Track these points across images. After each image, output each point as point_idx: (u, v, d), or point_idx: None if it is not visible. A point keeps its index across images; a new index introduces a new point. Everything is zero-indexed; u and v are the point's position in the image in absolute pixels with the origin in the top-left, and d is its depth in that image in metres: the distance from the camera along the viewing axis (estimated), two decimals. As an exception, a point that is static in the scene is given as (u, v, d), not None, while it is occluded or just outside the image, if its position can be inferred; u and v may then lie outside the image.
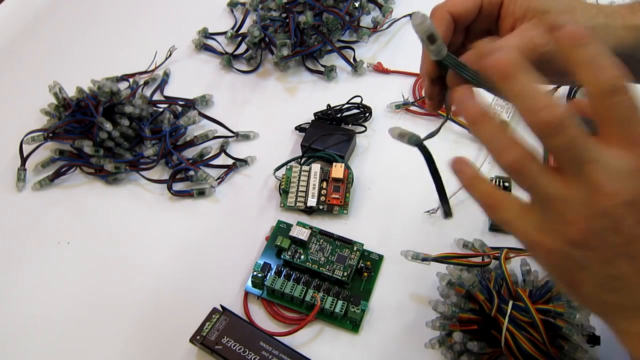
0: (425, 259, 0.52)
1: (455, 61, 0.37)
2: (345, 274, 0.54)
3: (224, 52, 0.78)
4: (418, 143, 0.38)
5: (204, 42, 0.79)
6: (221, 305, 0.52)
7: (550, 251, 0.31)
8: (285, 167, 0.63)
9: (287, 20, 0.73)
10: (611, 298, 0.31)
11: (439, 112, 0.64)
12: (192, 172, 0.64)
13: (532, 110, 0.28)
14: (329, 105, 0.68)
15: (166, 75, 0.76)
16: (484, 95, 0.35)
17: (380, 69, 0.74)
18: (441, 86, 0.40)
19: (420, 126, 0.67)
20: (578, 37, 0.29)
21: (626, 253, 0.29)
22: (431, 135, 0.42)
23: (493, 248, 0.53)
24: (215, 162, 0.67)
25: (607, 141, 0.28)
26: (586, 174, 0.28)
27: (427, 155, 0.39)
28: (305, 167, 0.62)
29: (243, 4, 0.84)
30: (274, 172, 0.64)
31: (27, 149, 0.67)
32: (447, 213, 0.41)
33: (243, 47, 0.78)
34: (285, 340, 0.50)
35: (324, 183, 0.61)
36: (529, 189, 0.31)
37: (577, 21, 0.38)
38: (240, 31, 0.80)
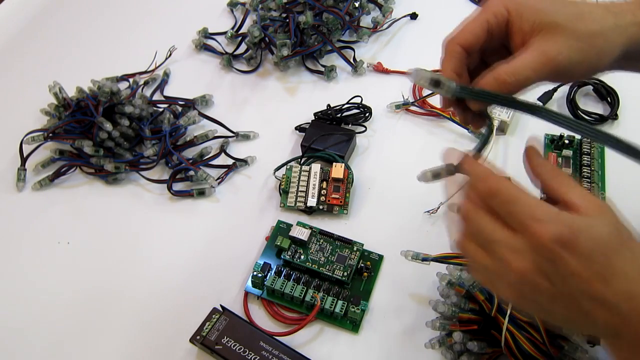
0: (425, 259, 0.52)
1: (469, 92, 0.38)
2: (345, 274, 0.54)
3: (224, 52, 0.78)
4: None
5: (204, 42, 0.79)
6: (221, 305, 0.52)
7: (507, 300, 0.36)
8: (285, 167, 0.63)
9: (287, 20, 0.73)
10: (575, 328, 0.38)
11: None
12: (192, 172, 0.64)
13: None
14: (329, 105, 0.68)
15: (166, 75, 0.76)
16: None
17: (380, 69, 0.74)
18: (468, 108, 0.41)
19: (420, 126, 0.67)
20: (466, 164, 0.38)
21: (558, 303, 0.33)
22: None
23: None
24: (215, 162, 0.67)
25: (508, 227, 0.34)
26: (494, 251, 0.34)
27: None
28: (305, 167, 0.62)
29: (243, 4, 0.84)
30: (274, 172, 0.64)
31: (27, 149, 0.67)
32: None
33: (243, 47, 0.78)
34: (285, 340, 0.50)
35: (324, 183, 0.61)
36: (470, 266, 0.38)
37: (586, 26, 0.38)
38: (240, 31, 0.80)
